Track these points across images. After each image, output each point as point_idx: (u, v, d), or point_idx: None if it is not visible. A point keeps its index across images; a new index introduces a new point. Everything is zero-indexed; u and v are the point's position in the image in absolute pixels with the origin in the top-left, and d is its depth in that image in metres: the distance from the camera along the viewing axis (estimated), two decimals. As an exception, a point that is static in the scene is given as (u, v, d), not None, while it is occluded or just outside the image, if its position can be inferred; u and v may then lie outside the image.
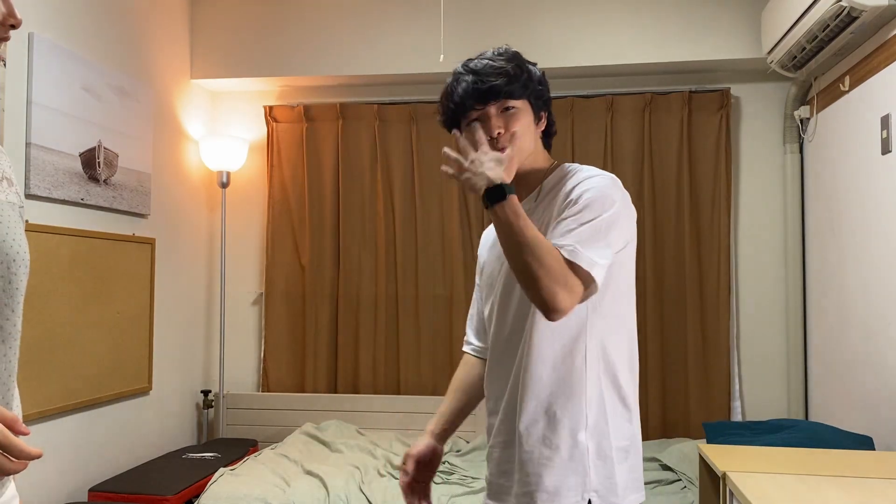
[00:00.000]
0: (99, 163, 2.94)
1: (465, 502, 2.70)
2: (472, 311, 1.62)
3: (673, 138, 3.62)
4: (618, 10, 3.51)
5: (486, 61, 1.36)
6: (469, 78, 1.36)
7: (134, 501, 2.70)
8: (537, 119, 1.40)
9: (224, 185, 3.76)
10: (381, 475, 2.93)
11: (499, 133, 1.33)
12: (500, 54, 1.38)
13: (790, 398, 3.48)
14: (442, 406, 1.59)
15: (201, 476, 2.91)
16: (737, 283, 3.62)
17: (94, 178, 2.90)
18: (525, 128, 1.36)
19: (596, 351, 1.32)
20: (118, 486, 2.79)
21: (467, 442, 3.47)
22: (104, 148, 2.97)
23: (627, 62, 3.50)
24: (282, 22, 3.74)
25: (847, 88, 2.94)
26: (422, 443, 1.55)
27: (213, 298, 3.94)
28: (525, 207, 1.38)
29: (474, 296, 1.61)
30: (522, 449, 1.34)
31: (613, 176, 1.36)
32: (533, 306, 1.30)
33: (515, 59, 1.38)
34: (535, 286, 1.19)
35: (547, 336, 1.32)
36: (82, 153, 2.84)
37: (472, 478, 2.93)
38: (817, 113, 3.30)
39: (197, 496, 2.78)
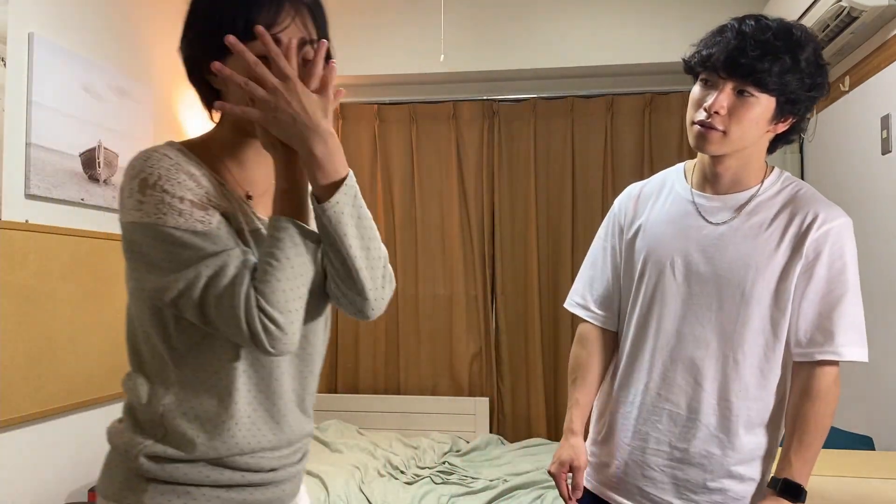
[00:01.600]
0: (99, 163, 2.94)
1: (465, 502, 2.69)
2: (595, 272, 1.47)
3: (673, 138, 3.62)
4: (618, 10, 3.51)
5: (764, 31, 1.19)
6: (732, 38, 1.20)
7: (134, 501, 2.70)
8: (776, 119, 1.25)
9: (224, 185, 3.76)
10: (381, 475, 2.93)
11: (715, 113, 1.22)
12: (785, 31, 1.20)
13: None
14: (580, 397, 1.43)
15: (201, 476, 2.90)
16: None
17: (94, 178, 2.90)
18: (752, 122, 1.22)
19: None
20: (118, 486, 2.78)
21: (467, 442, 3.47)
22: (104, 148, 2.97)
23: (627, 62, 3.50)
24: (282, 22, 3.74)
25: (847, 88, 2.94)
26: (581, 448, 1.41)
27: (213, 298, 3.94)
28: (731, 202, 1.30)
29: (599, 257, 1.47)
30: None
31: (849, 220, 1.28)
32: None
33: (798, 47, 1.20)
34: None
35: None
36: (82, 153, 2.84)
37: (472, 478, 2.93)
38: (817, 113, 3.30)
39: (197, 496, 2.78)
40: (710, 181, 1.33)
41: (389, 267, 1.04)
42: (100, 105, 2.95)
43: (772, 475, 1.29)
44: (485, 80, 3.78)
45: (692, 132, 1.27)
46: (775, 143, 1.33)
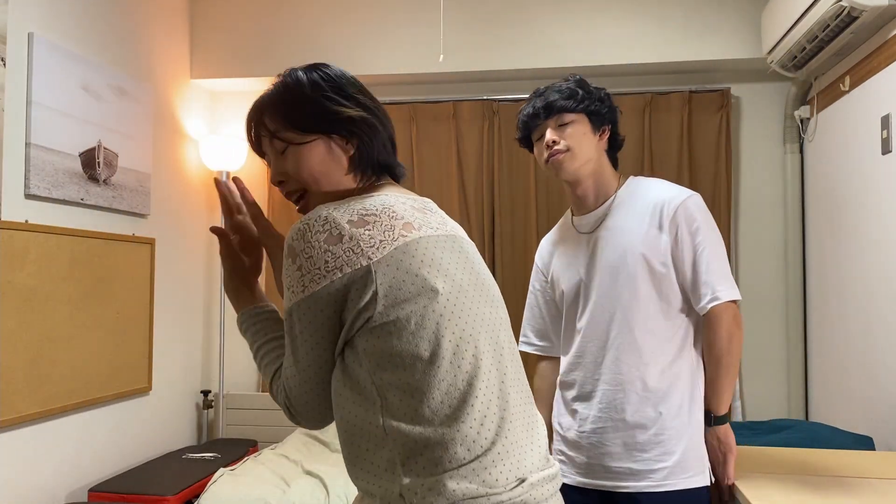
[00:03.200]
0: (99, 163, 2.94)
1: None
2: (531, 314, 1.83)
3: (673, 138, 3.62)
4: (618, 10, 3.51)
5: (550, 88, 1.61)
6: (533, 101, 1.61)
7: (134, 501, 2.70)
8: (597, 131, 1.62)
9: (224, 185, 3.75)
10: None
11: (553, 141, 1.57)
12: (565, 80, 1.63)
13: (790, 398, 3.48)
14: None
15: (201, 476, 2.90)
16: (737, 282, 3.61)
17: (94, 178, 2.90)
18: (581, 136, 1.58)
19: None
20: (118, 486, 2.79)
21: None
22: (104, 148, 2.97)
23: (627, 62, 3.50)
24: (282, 22, 3.74)
25: (847, 88, 2.94)
26: None
27: (213, 298, 3.94)
28: (597, 214, 1.64)
29: (532, 301, 1.82)
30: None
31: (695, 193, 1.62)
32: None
33: (575, 82, 1.62)
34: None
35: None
36: (82, 153, 2.84)
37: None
38: (817, 113, 3.30)
39: (197, 496, 2.78)
40: (581, 205, 1.67)
41: (283, 393, 1.05)
42: (100, 105, 2.95)
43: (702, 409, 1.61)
44: (485, 80, 3.78)
45: (549, 168, 1.60)
46: (612, 156, 1.67)
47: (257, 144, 1.16)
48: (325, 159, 1.08)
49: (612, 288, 1.58)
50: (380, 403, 0.94)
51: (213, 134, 3.90)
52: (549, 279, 1.76)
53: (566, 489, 1.59)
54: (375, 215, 0.99)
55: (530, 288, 1.84)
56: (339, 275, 0.94)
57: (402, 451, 0.92)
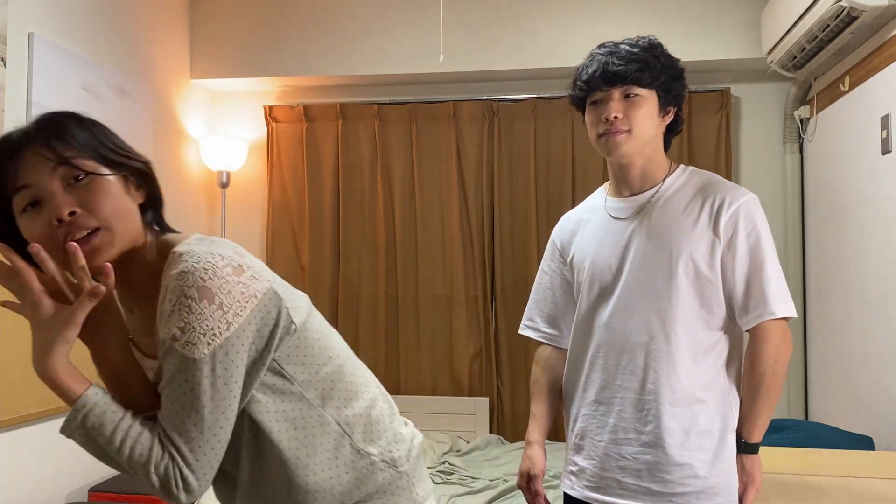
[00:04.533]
0: (99, 163, 2.94)
1: (465, 502, 2.69)
2: (539, 296, 1.63)
3: (675, 139, 3.62)
4: (618, 10, 3.51)
5: (624, 46, 1.40)
6: (602, 59, 1.39)
7: (134, 501, 2.70)
8: (663, 111, 1.43)
9: (224, 185, 3.76)
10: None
11: (616, 117, 1.38)
12: (638, 42, 1.41)
13: (790, 398, 3.48)
14: (536, 410, 1.59)
15: (201, 476, 2.90)
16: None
17: (94, 178, 2.90)
18: (646, 117, 1.39)
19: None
20: (118, 486, 2.79)
21: (467, 442, 3.47)
22: (104, 148, 2.97)
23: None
24: (282, 22, 3.74)
25: (847, 88, 2.94)
26: (538, 457, 1.53)
27: (213, 298, 3.93)
28: (641, 200, 1.45)
29: (544, 282, 1.62)
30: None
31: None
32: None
33: (653, 49, 1.40)
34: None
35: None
36: (82, 153, 2.84)
37: (472, 478, 2.93)
38: (817, 113, 3.30)
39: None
40: (623, 185, 1.49)
41: (175, 468, 0.91)
42: (100, 105, 2.95)
43: (735, 432, 1.43)
44: (485, 80, 3.78)
45: (601, 144, 1.42)
46: (668, 138, 1.49)
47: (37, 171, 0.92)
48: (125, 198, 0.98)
49: (648, 287, 1.39)
50: (321, 403, 1.01)
51: (213, 134, 3.90)
52: (568, 261, 1.55)
53: (570, 502, 1.50)
54: (232, 246, 1.02)
55: (542, 269, 1.64)
56: (256, 301, 0.94)
57: (355, 431, 1.02)
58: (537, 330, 1.63)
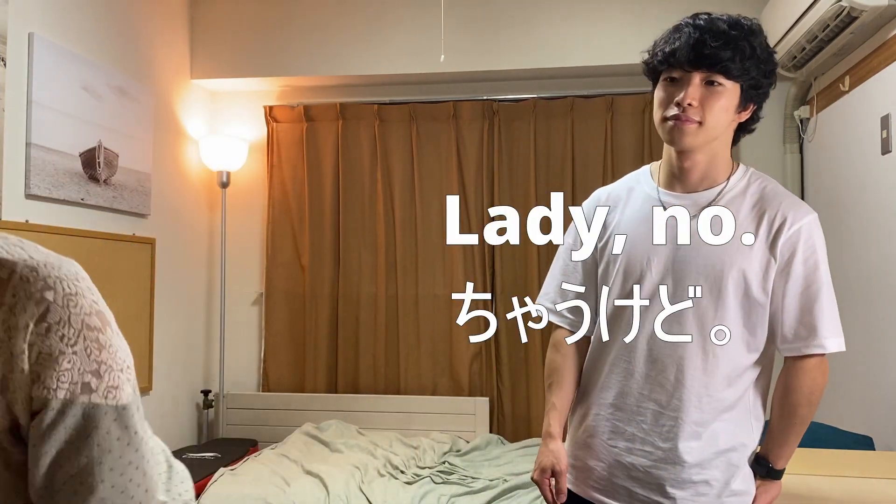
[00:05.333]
0: (99, 163, 2.94)
1: (465, 502, 2.70)
2: (565, 278, 1.43)
3: (743, 137, 3.62)
4: (618, 10, 3.51)
5: (720, 23, 1.23)
6: (692, 33, 1.24)
7: (134, 501, 2.70)
8: (742, 107, 1.29)
9: (224, 185, 3.76)
10: (382, 475, 2.93)
11: (689, 105, 1.24)
12: (737, 22, 1.24)
13: (790, 398, 3.48)
14: (556, 401, 1.44)
15: (201, 476, 2.90)
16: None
17: (94, 178, 2.90)
18: (722, 110, 1.25)
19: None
20: (118, 486, 2.78)
21: (467, 442, 3.47)
22: (104, 148, 2.97)
23: (628, 62, 3.50)
24: (282, 22, 3.74)
25: (847, 88, 2.94)
26: (561, 451, 1.42)
27: (213, 298, 3.94)
28: (699, 199, 1.32)
29: (569, 263, 1.43)
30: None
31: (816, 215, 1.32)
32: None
33: (752, 35, 1.24)
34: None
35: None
36: (82, 153, 2.84)
37: (472, 477, 2.93)
38: (817, 113, 3.30)
39: (197, 496, 2.78)
40: (679, 178, 1.35)
41: None
42: (100, 105, 2.95)
43: (756, 453, 1.37)
44: (485, 80, 3.78)
45: (666, 128, 1.28)
46: (738, 135, 1.35)
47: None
48: None
49: (692, 295, 1.28)
50: None
51: (213, 134, 3.90)
52: (604, 238, 1.38)
53: (575, 499, 1.43)
54: None
55: (565, 244, 1.43)
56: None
57: None
58: (561, 315, 1.44)
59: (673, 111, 1.25)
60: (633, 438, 1.34)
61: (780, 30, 3.00)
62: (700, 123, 1.24)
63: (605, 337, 1.36)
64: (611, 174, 3.65)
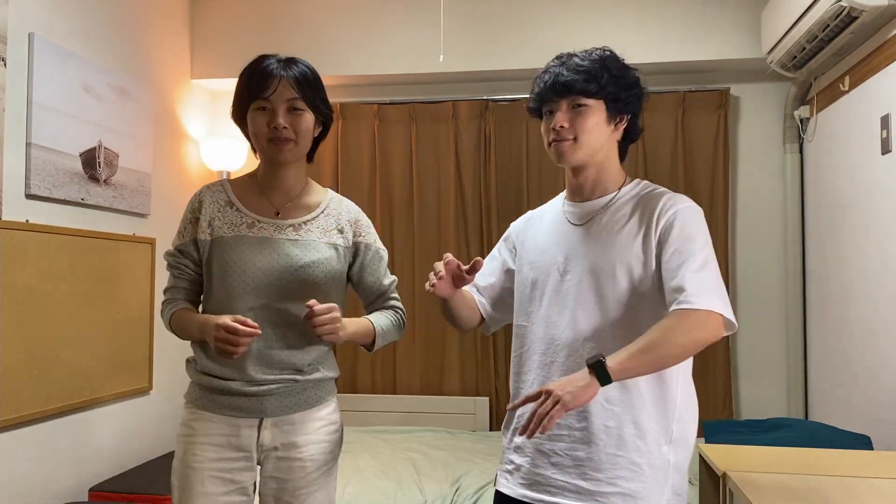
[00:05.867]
0: (99, 163, 2.94)
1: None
2: (485, 271, 1.62)
3: (668, 137, 3.63)
4: (618, 10, 3.51)
5: (574, 58, 1.45)
6: (554, 70, 1.45)
7: (134, 501, 2.71)
8: (611, 121, 1.45)
9: (224, 185, 3.76)
10: (381, 476, 2.93)
11: (561, 127, 1.43)
12: (590, 54, 1.45)
13: (790, 398, 3.49)
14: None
15: (201, 476, 2.90)
16: (735, 283, 3.62)
17: (94, 178, 2.90)
18: (593, 126, 1.43)
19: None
20: (118, 486, 2.79)
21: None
22: (104, 148, 2.97)
23: (627, 62, 3.50)
24: (282, 22, 3.74)
25: (847, 88, 2.94)
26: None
27: (213, 298, 3.93)
28: (592, 207, 1.50)
29: (495, 266, 1.66)
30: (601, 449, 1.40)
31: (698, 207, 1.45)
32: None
33: (603, 59, 1.44)
34: (690, 351, 1.30)
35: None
36: (82, 153, 2.84)
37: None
38: (817, 113, 3.31)
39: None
40: (576, 192, 1.53)
41: None
42: (100, 105, 2.95)
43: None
44: (484, 80, 3.78)
45: (551, 152, 1.47)
46: (624, 148, 1.52)
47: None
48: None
49: (590, 291, 1.41)
50: None
51: (213, 134, 3.91)
52: (516, 253, 1.62)
53: (503, 500, 1.49)
54: None
55: (492, 254, 1.68)
56: None
57: None
58: (480, 294, 1.65)
59: (551, 136, 1.45)
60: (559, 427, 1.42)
61: (780, 30, 3.00)
62: (574, 140, 1.43)
63: (520, 341, 1.54)
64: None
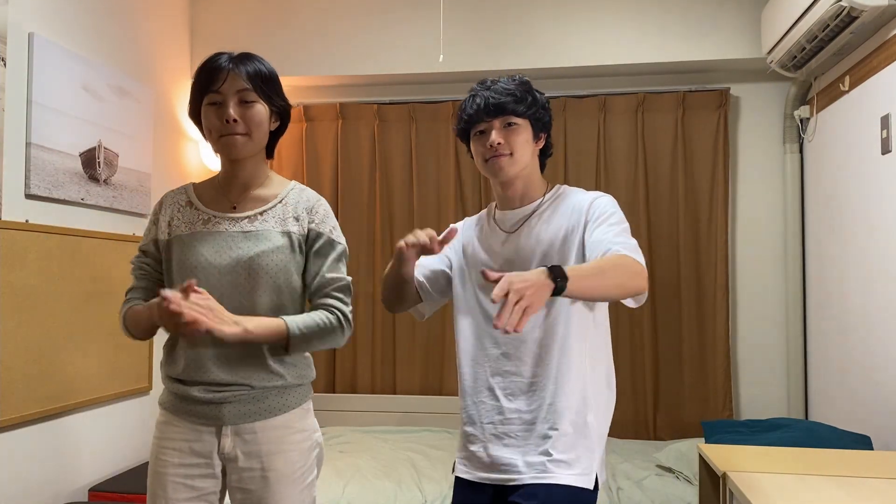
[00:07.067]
0: (99, 163, 2.94)
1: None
2: (426, 261, 1.75)
3: (665, 137, 3.63)
4: (617, 10, 3.51)
5: (500, 83, 1.60)
6: (483, 94, 1.59)
7: (134, 501, 2.71)
8: (536, 138, 1.63)
9: (224, 185, 3.76)
10: (381, 476, 2.93)
11: (499, 143, 1.57)
12: (512, 79, 1.62)
13: (790, 397, 3.49)
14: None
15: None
16: (735, 283, 3.62)
17: (94, 178, 2.90)
18: (524, 142, 1.60)
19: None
20: (118, 486, 2.79)
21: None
22: (104, 148, 2.97)
23: (627, 62, 3.50)
24: (281, 22, 3.74)
25: (847, 88, 2.94)
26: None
27: (213, 298, 3.93)
28: (521, 213, 1.65)
29: (436, 259, 1.75)
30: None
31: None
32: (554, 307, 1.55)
33: (524, 85, 1.61)
34: (627, 292, 1.38)
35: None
36: (82, 153, 2.84)
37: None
38: (817, 113, 3.31)
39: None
40: (507, 203, 1.67)
41: None
42: (100, 105, 2.95)
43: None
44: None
45: (488, 167, 1.61)
46: (543, 161, 1.68)
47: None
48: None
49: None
50: None
51: (213, 134, 3.90)
52: (456, 255, 1.73)
53: (465, 484, 1.62)
54: None
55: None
56: None
57: None
58: (421, 276, 1.74)
59: (489, 153, 1.59)
60: (502, 410, 1.58)
61: (780, 30, 3.00)
62: (511, 155, 1.58)
63: (465, 332, 1.66)
64: (603, 173, 3.66)
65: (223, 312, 1.39)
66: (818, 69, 3.18)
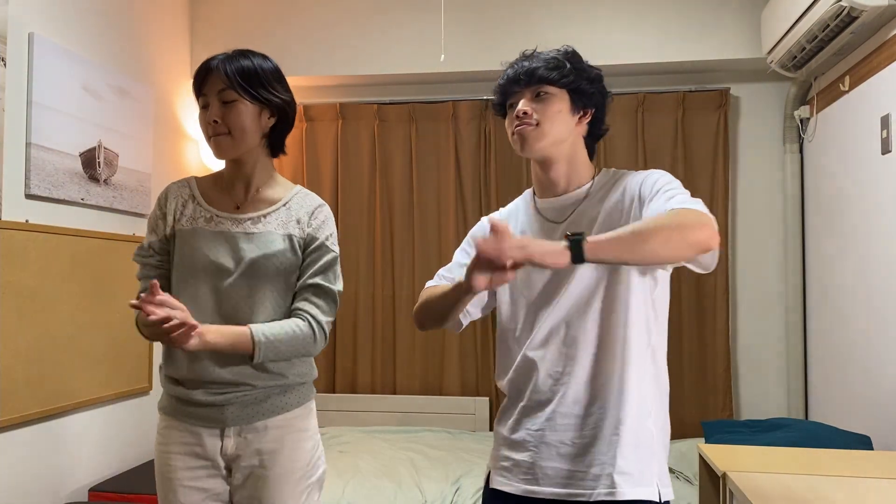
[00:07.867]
0: (99, 163, 2.94)
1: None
2: (454, 265, 1.56)
3: (666, 137, 3.63)
4: (617, 10, 3.51)
5: (538, 53, 1.44)
6: (516, 65, 1.44)
7: (134, 501, 2.70)
8: (577, 111, 1.42)
9: (224, 185, 3.76)
10: (381, 476, 2.93)
11: (524, 113, 1.38)
12: (553, 50, 1.44)
13: (790, 397, 3.49)
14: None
15: (201, 476, 2.90)
16: (735, 283, 3.62)
17: (94, 178, 2.90)
18: (556, 113, 1.39)
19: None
20: (118, 486, 2.79)
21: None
22: (104, 148, 2.97)
23: (627, 62, 3.50)
24: (281, 22, 3.74)
25: (847, 88, 2.94)
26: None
27: (213, 298, 3.93)
28: (570, 199, 1.43)
29: (460, 259, 1.56)
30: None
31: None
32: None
33: (566, 54, 1.43)
34: (681, 248, 1.16)
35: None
36: (82, 153, 2.84)
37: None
38: (817, 113, 3.31)
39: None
40: (548, 188, 1.47)
41: None
42: (100, 105, 2.95)
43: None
44: (484, 80, 3.78)
45: (514, 141, 1.42)
46: (591, 144, 1.48)
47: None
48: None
49: (596, 286, 1.35)
50: None
51: (213, 134, 3.90)
52: None
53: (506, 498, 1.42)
54: None
55: (464, 249, 1.58)
56: None
57: None
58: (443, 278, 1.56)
59: (515, 124, 1.41)
60: (553, 416, 1.37)
61: (780, 30, 3.00)
62: (537, 125, 1.38)
63: (519, 329, 1.45)
64: (610, 174, 3.66)
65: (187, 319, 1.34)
66: (818, 69, 3.18)
